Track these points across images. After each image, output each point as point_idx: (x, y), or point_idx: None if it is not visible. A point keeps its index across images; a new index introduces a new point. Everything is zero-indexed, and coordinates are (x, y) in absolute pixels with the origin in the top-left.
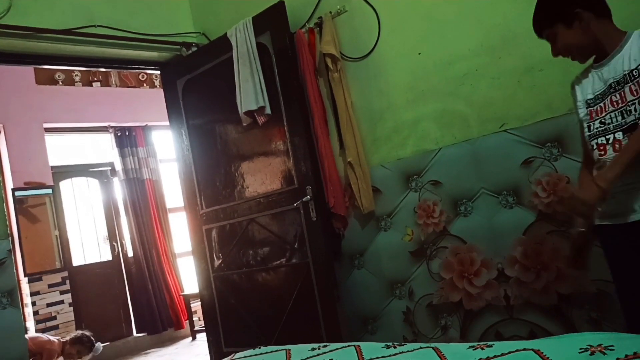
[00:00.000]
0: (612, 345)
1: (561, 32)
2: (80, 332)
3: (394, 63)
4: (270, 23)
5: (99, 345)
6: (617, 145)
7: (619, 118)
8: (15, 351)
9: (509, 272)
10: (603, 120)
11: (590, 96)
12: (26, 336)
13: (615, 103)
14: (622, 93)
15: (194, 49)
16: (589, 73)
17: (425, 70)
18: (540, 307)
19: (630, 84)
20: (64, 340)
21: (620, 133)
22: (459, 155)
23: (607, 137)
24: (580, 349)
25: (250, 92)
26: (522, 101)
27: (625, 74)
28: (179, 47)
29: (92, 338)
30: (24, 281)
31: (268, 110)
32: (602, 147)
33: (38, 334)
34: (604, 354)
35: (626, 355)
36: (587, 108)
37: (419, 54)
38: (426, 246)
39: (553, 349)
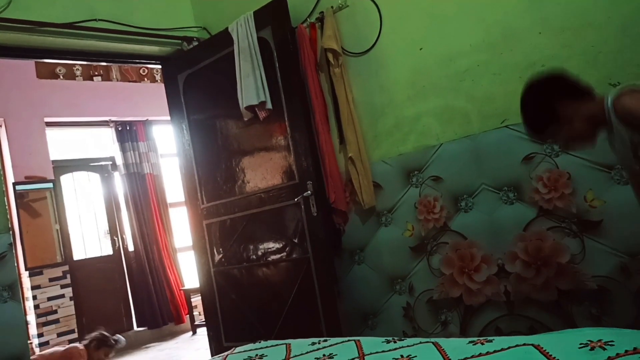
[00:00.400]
0: (612, 341)
1: (559, 131)
2: (97, 333)
3: (395, 58)
4: (272, 18)
5: (121, 339)
6: None
7: None
8: (16, 345)
9: (509, 268)
10: None
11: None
12: (49, 351)
13: None
14: None
15: (195, 43)
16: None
17: (427, 65)
18: (541, 302)
19: None
20: (84, 344)
21: None
22: (460, 151)
23: None
24: (580, 344)
25: (251, 87)
26: None
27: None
28: (180, 41)
29: (109, 335)
30: (24, 275)
31: (269, 105)
32: None
33: (58, 348)
34: (604, 349)
35: (626, 351)
36: None
37: (421, 49)
38: (427, 242)
39: (553, 345)
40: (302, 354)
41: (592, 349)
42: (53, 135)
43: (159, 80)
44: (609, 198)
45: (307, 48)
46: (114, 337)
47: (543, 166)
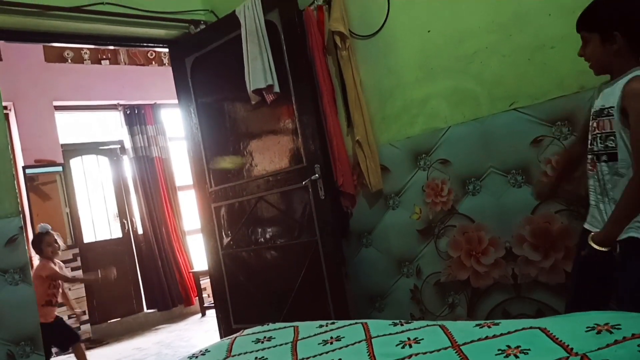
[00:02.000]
0: (618, 324)
1: (594, 41)
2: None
3: (403, 41)
4: (279, 0)
5: (42, 226)
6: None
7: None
8: (28, 326)
9: (516, 251)
10: (591, 139)
11: (595, 109)
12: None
13: (595, 128)
14: (600, 122)
15: (203, 26)
16: (603, 87)
17: (435, 47)
18: (548, 285)
19: (600, 118)
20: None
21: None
22: (468, 133)
23: (590, 156)
24: (587, 327)
25: (258, 70)
26: (533, 79)
27: (602, 108)
28: (187, 24)
29: (37, 232)
30: (35, 258)
31: (277, 89)
32: (590, 164)
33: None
34: (611, 332)
35: (633, 334)
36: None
37: (429, 31)
38: (434, 225)
39: (560, 328)
40: (309, 337)
41: (599, 332)
42: (62, 119)
43: (166, 64)
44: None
45: (314, 31)
46: (41, 231)
47: (552, 149)
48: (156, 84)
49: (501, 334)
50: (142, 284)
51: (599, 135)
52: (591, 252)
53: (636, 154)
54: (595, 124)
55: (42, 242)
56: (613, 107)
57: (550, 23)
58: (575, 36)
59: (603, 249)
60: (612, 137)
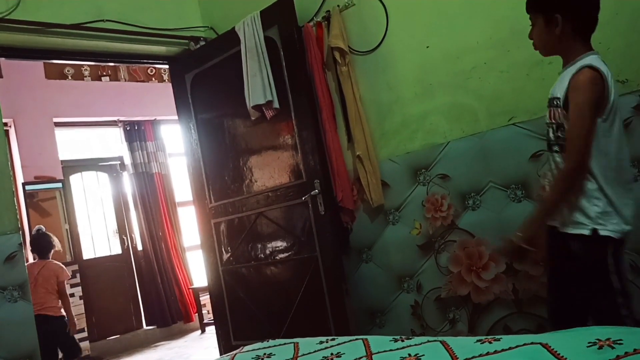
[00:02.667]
0: (620, 340)
1: (538, 23)
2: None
3: (402, 56)
4: (278, 17)
5: (40, 227)
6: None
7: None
8: (26, 344)
9: (517, 266)
10: (546, 129)
11: (549, 97)
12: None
13: (548, 117)
14: (551, 111)
15: (202, 43)
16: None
17: (434, 63)
18: None
19: (551, 107)
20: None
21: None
22: (468, 148)
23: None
24: (589, 342)
25: (258, 86)
26: (531, 94)
27: (552, 97)
28: (187, 41)
29: (41, 233)
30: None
31: (276, 104)
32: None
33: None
34: (612, 347)
35: (635, 350)
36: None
37: (427, 47)
38: (434, 240)
39: (561, 343)
40: (309, 353)
41: (601, 347)
42: (62, 136)
43: (166, 80)
44: None
45: (313, 47)
46: (34, 234)
47: None
48: (156, 100)
49: (502, 350)
50: (141, 300)
51: (552, 125)
52: (512, 248)
53: (568, 146)
54: (548, 113)
55: (51, 244)
56: (559, 97)
57: None
58: None
59: (525, 246)
60: (563, 128)
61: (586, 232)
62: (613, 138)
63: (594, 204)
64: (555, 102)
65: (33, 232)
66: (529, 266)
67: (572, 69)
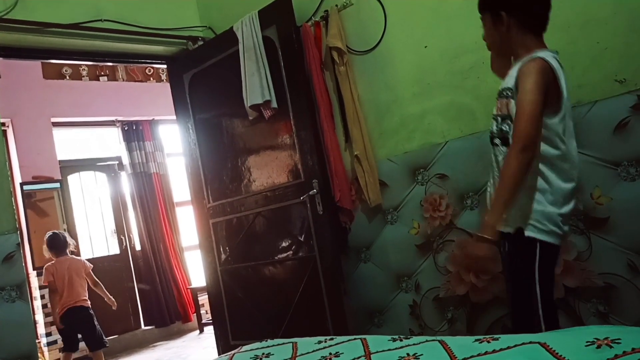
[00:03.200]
0: (618, 339)
1: (487, 22)
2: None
3: (400, 56)
4: (276, 17)
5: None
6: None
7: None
8: (25, 344)
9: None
10: (492, 121)
11: (498, 90)
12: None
13: (495, 109)
14: (499, 103)
15: (200, 43)
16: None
17: (432, 63)
18: None
19: (500, 99)
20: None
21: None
22: (466, 148)
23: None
24: (587, 342)
25: (256, 86)
26: None
27: (502, 88)
28: (185, 41)
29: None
30: (32, 275)
31: (274, 104)
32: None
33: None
34: (611, 347)
35: (633, 349)
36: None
37: (425, 47)
38: (432, 239)
39: (559, 342)
40: (308, 353)
41: (599, 346)
42: (60, 136)
43: (164, 80)
44: (616, 195)
45: (312, 47)
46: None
47: None
48: (154, 100)
49: (501, 349)
50: (139, 300)
51: (497, 117)
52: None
53: (516, 129)
54: (496, 105)
55: (66, 242)
56: (510, 87)
57: (545, 39)
58: (570, 51)
59: (488, 238)
60: (509, 121)
61: (511, 230)
62: (564, 137)
63: (535, 202)
64: (505, 93)
65: (48, 234)
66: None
67: (523, 60)
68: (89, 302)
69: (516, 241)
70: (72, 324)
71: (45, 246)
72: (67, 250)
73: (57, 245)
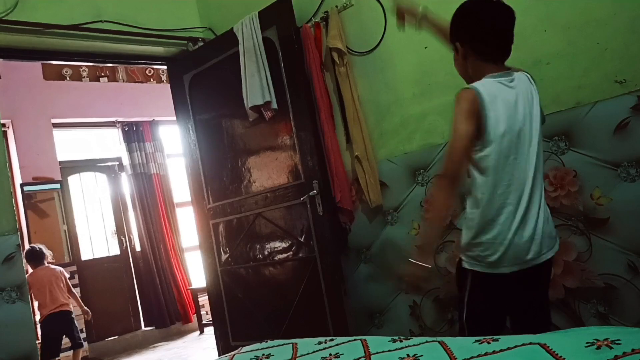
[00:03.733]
0: (618, 340)
1: (454, 53)
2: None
3: (400, 57)
4: (276, 17)
5: (33, 245)
6: None
7: None
8: (25, 344)
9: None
10: None
11: None
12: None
13: None
14: None
15: (201, 43)
16: None
17: (432, 64)
18: None
19: None
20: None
21: None
22: None
23: None
24: (587, 342)
25: (256, 86)
26: None
27: None
28: (185, 42)
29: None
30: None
31: (274, 105)
32: None
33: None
34: (611, 348)
35: (633, 350)
36: None
37: (426, 47)
38: None
39: (559, 343)
40: (308, 353)
41: (599, 347)
42: (60, 136)
43: (164, 81)
44: (616, 196)
45: (312, 47)
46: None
47: (549, 164)
48: (154, 101)
49: (501, 350)
50: (139, 301)
51: None
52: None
53: (444, 158)
54: None
55: (43, 252)
56: None
57: (545, 39)
58: (570, 52)
59: (418, 263)
60: None
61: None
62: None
63: (466, 230)
64: None
65: (26, 249)
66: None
67: None
68: (70, 306)
69: (459, 265)
70: (56, 326)
71: (24, 260)
72: (45, 261)
73: (35, 257)
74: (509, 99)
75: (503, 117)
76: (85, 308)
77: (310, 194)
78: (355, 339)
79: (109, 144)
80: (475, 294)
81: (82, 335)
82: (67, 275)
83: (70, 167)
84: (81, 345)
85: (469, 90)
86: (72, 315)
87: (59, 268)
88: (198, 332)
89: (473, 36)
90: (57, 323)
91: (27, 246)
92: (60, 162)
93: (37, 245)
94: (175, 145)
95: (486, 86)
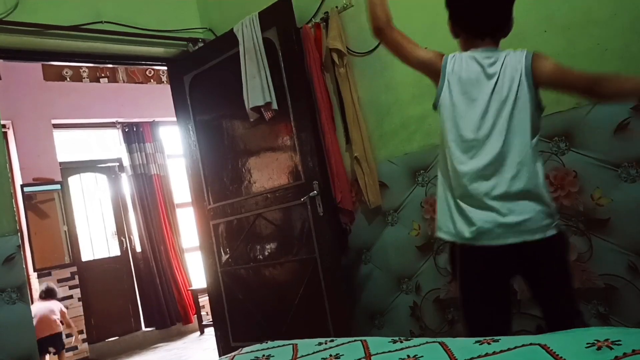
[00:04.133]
0: (619, 340)
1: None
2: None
3: None
4: (277, 18)
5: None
6: None
7: None
8: (25, 346)
9: None
10: None
11: None
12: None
13: None
14: None
15: (201, 44)
16: None
17: None
18: None
19: None
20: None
21: None
22: None
23: None
24: (587, 343)
25: (257, 87)
26: None
27: None
28: (185, 42)
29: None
30: (33, 276)
31: (275, 106)
32: None
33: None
34: (611, 348)
35: (633, 350)
36: None
37: (426, 48)
38: (433, 241)
39: (560, 344)
40: (308, 354)
41: (599, 348)
42: (60, 137)
43: (165, 82)
44: (616, 196)
45: (312, 48)
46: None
47: (549, 165)
48: (155, 102)
49: (501, 351)
50: (140, 302)
51: None
52: None
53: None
54: None
55: (55, 290)
56: None
57: (545, 40)
58: (570, 52)
59: None
60: None
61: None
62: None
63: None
64: None
65: (43, 288)
66: None
67: None
68: (61, 329)
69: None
70: (44, 345)
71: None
72: (55, 298)
73: (49, 294)
74: (470, 76)
75: (456, 88)
76: (78, 337)
77: (311, 194)
78: (355, 340)
79: (109, 144)
80: (461, 267)
81: (82, 337)
82: (65, 311)
83: (71, 168)
84: (63, 347)
85: (443, 54)
86: (62, 335)
87: (59, 303)
88: (198, 332)
89: (453, 11)
90: (47, 343)
91: (27, 248)
92: (61, 163)
93: (53, 286)
94: (175, 146)
95: (456, 57)
